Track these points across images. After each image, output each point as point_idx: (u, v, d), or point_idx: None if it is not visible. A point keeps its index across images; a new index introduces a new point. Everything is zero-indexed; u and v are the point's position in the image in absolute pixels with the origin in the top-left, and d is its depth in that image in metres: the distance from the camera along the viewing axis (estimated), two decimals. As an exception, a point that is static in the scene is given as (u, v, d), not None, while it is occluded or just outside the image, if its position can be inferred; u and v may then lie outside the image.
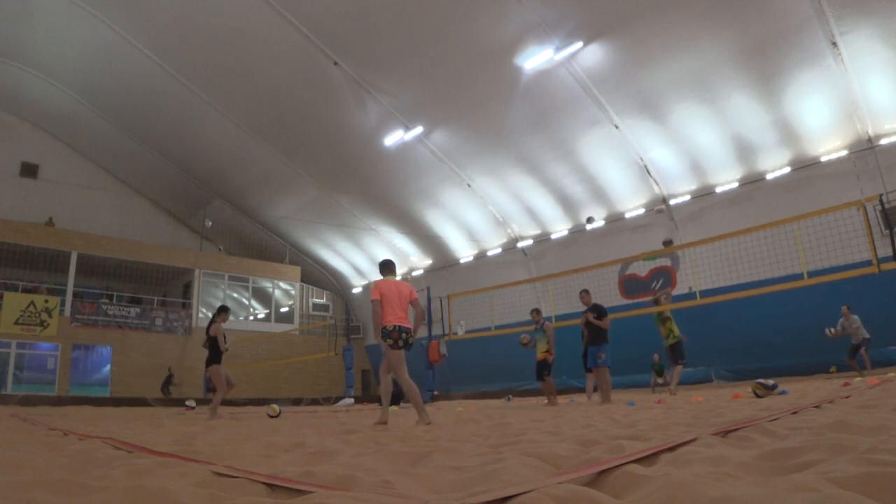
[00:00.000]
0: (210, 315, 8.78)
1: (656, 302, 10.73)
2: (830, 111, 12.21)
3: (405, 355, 5.56)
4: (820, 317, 11.09)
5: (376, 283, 5.68)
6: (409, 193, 18.90)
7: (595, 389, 10.59)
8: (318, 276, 25.41)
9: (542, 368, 9.46)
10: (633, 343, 12.91)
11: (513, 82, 14.08)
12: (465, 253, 20.24)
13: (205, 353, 8.28)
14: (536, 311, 9.86)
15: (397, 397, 14.17)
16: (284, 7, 13.77)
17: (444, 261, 20.82)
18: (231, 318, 23.42)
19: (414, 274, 21.93)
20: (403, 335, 5.47)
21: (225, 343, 8.30)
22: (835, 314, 11.39)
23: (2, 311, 17.50)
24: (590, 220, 16.02)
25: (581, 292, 9.30)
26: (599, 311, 8.94)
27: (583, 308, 9.26)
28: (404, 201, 19.31)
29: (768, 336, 12.76)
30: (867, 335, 10.95)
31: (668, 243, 14.02)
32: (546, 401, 9.76)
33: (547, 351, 9.55)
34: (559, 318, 13.90)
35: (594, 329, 8.87)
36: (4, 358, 17.57)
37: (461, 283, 18.96)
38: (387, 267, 5.87)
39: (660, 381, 13.11)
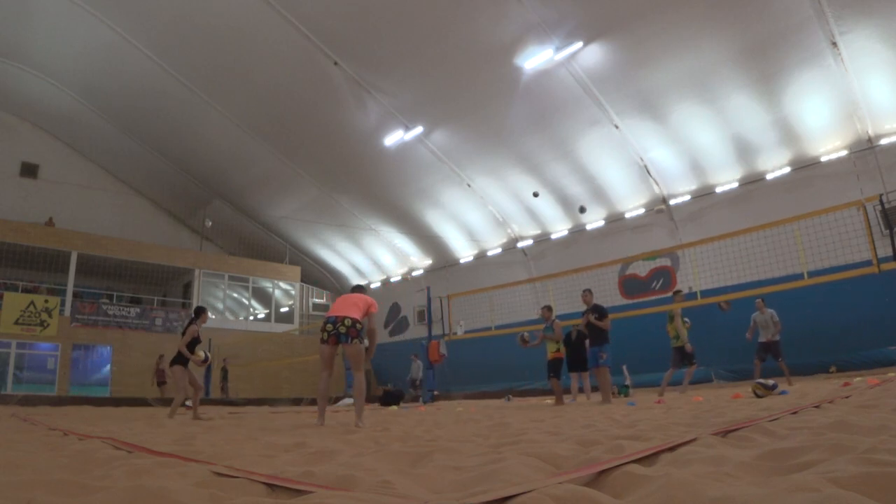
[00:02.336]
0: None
1: (676, 293, 10.51)
2: (830, 111, 12.21)
3: (361, 349, 5.27)
4: (820, 317, 11.08)
5: None
6: (409, 193, 18.90)
7: (593, 389, 10.59)
8: (318, 276, 25.40)
9: (554, 367, 9.49)
10: (633, 343, 12.89)
11: (513, 82, 14.08)
12: (465, 253, 20.24)
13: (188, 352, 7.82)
14: (548, 309, 9.86)
15: (397, 397, 14.18)
16: (284, 7, 13.77)
17: (444, 261, 20.82)
18: (231, 318, 23.53)
19: (414, 274, 21.94)
20: (329, 325, 5.25)
21: (200, 353, 7.82)
22: (835, 314, 11.38)
23: (2, 311, 17.50)
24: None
25: (583, 291, 9.25)
26: (600, 311, 8.90)
27: (583, 307, 9.26)
28: (404, 201, 19.30)
29: (768, 336, 12.73)
30: (779, 337, 10.32)
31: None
32: (553, 400, 9.76)
33: (557, 350, 9.58)
34: (559, 318, 13.86)
35: (595, 329, 8.85)
36: (4, 358, 17.57)
37: (461, 283, 18.96)
38: (354, 288, 5.93)
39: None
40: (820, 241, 10.64)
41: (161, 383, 17.37)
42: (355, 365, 5.32)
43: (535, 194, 16.07)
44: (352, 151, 18.09)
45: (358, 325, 5.24)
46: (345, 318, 5.20)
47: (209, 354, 8.35)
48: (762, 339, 10.50)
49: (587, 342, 9.34)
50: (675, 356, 9.89)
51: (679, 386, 10.55)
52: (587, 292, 9.19)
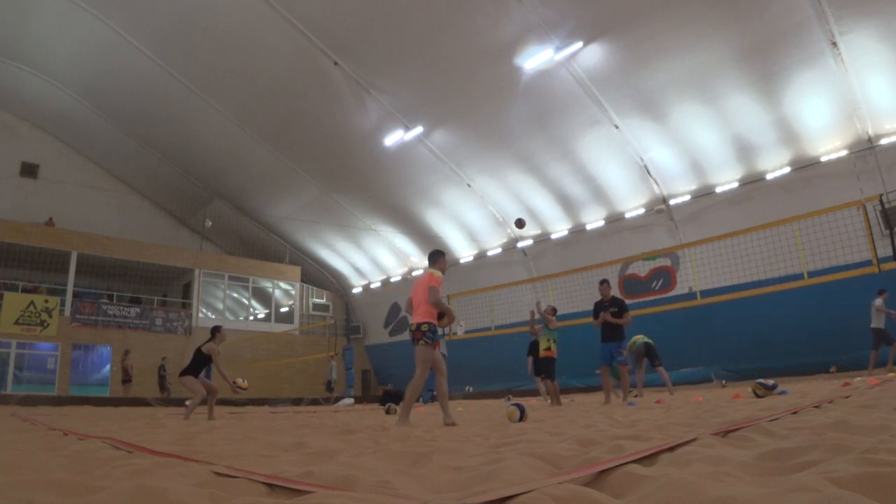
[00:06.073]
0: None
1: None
2: (830, 111, 12.21)
3: (426, 350, 5.30)
4: (820, 317, 11.09)
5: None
6: (409, 193, 18.90)
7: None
8: (318, 276, 25.40)
9: (545, 367, 9.36)
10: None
11: (513, 82, 14.07)
12: (465, 253, 20.24)
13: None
14: (552, 310, 9.77)
15: (397, 398, 14.16)
16: (284, 7, 13.76)
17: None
18: (231, 317, 23.53)
19: (414, 274, 21.94)
20: (409, 331, 5.48)
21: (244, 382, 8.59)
22: (836, 314, 11.35)
23: (2, 311, 17.50)
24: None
25: (601, 283, 8.57)
26: (620, 305, 8.36)
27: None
28: (404, 201, 19.30)
29: (768, 336, 12.75)
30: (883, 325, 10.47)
31: None
32: (548, 401, 9.73)
33: (548, 349, 9.47)
34: (559, 318, 13.88)
35: (611, 325, 8.34)
36: (4, 358, 17.57)
37: (461, 283, 18.95)
38: (429, 258, 5.73)
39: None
40: (820, 241, 10.66)
41: (126, 381, 17.28)
42: (422, 366, 5.29)
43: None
44: (352, 151, 18.09)
45: (423, 328, 5.29)
46: (412, 323, 5.39)
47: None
48: (876, 325, 10.43)
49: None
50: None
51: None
52: (605, 284, 8.49)
